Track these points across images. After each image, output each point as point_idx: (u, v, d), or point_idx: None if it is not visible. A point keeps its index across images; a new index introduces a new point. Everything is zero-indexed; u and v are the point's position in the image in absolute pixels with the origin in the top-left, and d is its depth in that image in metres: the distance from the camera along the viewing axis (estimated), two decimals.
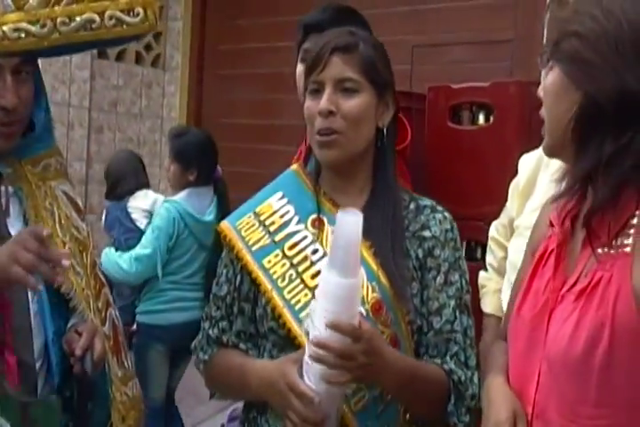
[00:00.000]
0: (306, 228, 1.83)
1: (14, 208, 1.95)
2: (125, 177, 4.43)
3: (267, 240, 1.84)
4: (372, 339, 1.56)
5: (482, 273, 2.42)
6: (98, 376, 1.94)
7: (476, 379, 1.77)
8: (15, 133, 1.92)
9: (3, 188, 1.94)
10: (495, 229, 2.44)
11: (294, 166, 1.98)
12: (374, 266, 1.76)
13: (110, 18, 1.86)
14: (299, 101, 2.86)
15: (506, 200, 2.68)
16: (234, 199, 5.46)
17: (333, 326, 1.52)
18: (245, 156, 5.55)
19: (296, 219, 1.85)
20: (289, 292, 1.77)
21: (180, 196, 4.01)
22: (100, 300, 2.05)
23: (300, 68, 2.58)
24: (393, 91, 1.86)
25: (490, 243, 2.41)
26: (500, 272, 2.28)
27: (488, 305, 2.35)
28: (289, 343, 1.74)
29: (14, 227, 1.93)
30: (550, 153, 1.57)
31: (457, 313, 1.78)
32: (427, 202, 1.87)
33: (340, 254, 1.53)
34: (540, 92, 1.53)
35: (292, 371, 1.62)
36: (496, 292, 2.30)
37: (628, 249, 1.37)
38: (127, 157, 4.55)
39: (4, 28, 1.80)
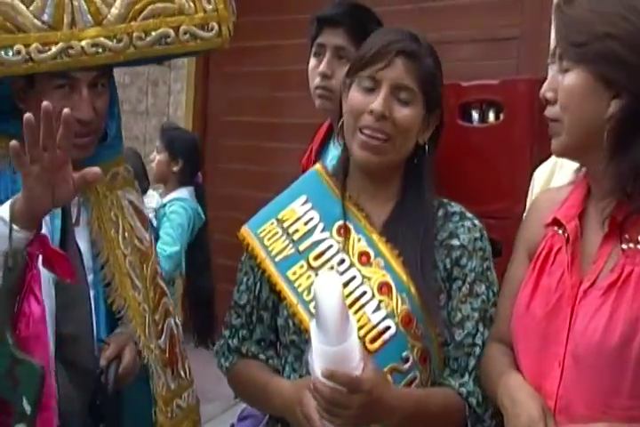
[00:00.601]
0: (331, 236, 1.78)
1: (83, 218, 1.97)
2: (137, 178, 4.45)
3: (291, 250, 1.79)
4: (373, 390, 1.51)
5: None
6: (134, 391, 1.96)
7: None
8: (90, 145, 1.94)
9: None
10: None
11: (317, 166, 1.93)
12: (404, 276, 1.72)
13: (185, 33, 1.90)
14: (304, 99, 2.87)
15: (515, 197, 2.68)
16: (241, 196, 5.47)
17: (328, 376, 1.49)
18: (251, 153, 5.57)
19: (321, 226, 1.80)
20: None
21: (185, 194, 4.09)
22: (159, 311, 2.07)
23: (312, 62, 2.57)
24: (441, 109, 1.84)
25: None
26: None
27: None
28: None
29: (81, 236, 1.95)
30: (564, 153, 1.57)
31: (480, 326, 1.73)
32: (456, 208, 1.84)
33: (323, 323, 1.49)
34: (548, 93, 1.53)
35: (308, 401, 1.58)
36: None
37: None
38: (133, 157, 4.56)
39: (83, 43, 1.83)
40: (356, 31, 2.60)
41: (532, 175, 2.27)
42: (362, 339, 1.63)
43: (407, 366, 1.68)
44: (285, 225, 1.82)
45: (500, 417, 1.63)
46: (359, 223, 1.79)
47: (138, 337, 1.96)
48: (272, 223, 1.84)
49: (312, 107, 2.61)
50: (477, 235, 1.79)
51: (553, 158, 2.15)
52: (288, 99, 5.26)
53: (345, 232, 1.77)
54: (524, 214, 1.77)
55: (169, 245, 3.91)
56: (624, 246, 1.44)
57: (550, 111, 1.53)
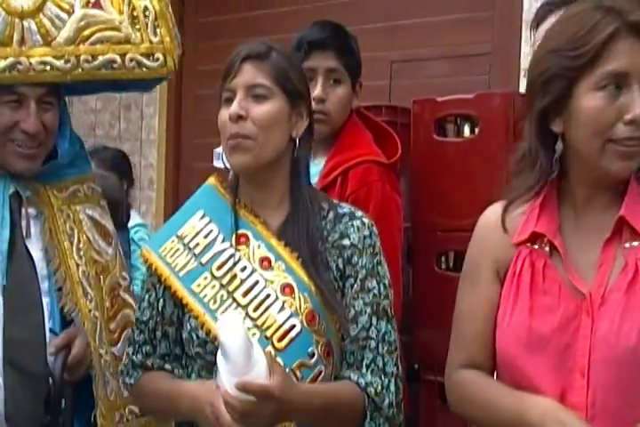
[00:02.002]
0: (231, 245, 1.84)
1: (35, 230, 2.11)
2: (123, 203, 4.27)
3: (194, 263, 1.84)
4: (282, 394, 1.58)
5: None
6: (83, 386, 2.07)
7: (392, 386, 1.80)
8: (36, 156, 2.10)
9: (23, 210, 2.09)
10: None
11: (211, 179, 1.97)
12: (305, 277, 1.79)
13: (131, 60, 2.05)
14: None
15: None
16: None
17: (241, 388, 1.56)
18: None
19: (220, 237, 1.85)
20: (222, 313, 1.78)
21: (138, 218, 4.21)
22: (115, 321, 2.18)
23: None
24: (307, 102, 1.88)
25: None
26: None
27: None
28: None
29: (34, 246, 2.09)
30: None
31: (373, 320, 1.81)
32: (345, 209, 1.90)
33: (229, 358, 1.58)
34: None
35: (218, 400, 1.63)
36: None
37: None
38: (117, 182, 4.44)
39: (32, 60, 2.00)
40: (345, 52, 2.63)
41: None
42: (270, 338, 1.75)
43: (313, 360, 1.77)
44: (186, 241, 1.87)
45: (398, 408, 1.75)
46: (256, 230, 1.85)
47: (87, 342, 2.07)
48: (172, 241, 1.88)
49: None
50: (367, 233, 1.85)
51: None
52: None
53: (244, 240, 1.84)
54: (473, 236, 1.76)
55: None
56: (627, 245, 1.46)
57: None
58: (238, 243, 1.84)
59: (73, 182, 2.20)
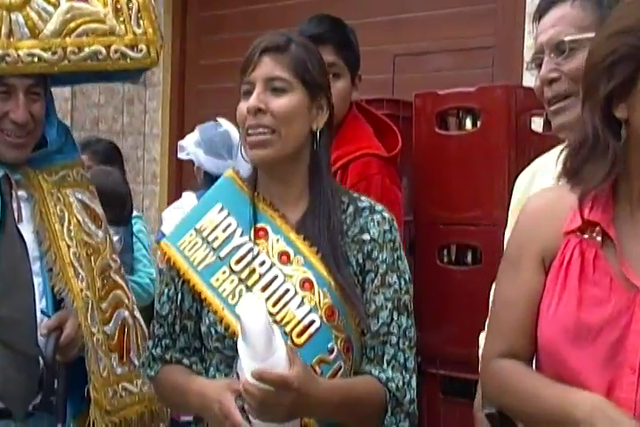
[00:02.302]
0: (250, 239, 1.81)
1: (26, 212, 2.18)
2: (130, 197, 4.24)
3: (212, 257, 1.82)
4: (301, 387, 1.57)
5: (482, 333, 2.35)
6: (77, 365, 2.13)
7: (413, 382, 1.79)
8: (25, 145, 2.18)
9: (14, 193, 2.17)
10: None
11: (229, 172, 1.95)
12: (324, 272, 1.77)
13: (116, 51, 2.13)
14: None
15: (494, 203, 2.68)
16: None
17: (259, 378, 1.55)
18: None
19: (239, 231, 1.83)
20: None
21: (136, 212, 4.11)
22: (107, 301, 2.23)
23: None
24: (327, 94, 1.86)
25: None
26: None
27: None
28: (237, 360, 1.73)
29: (25, 229, 2.16)
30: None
31: (394, 315, 1.79)
32: (365, 203, 1.87)
33: (250, 342, 1.57)
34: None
35: (228, 398, 1.63)
36: None
37: None
38: (120, 176, 4.33)
39: (20, 52, 2.08)
40: (343, 46, 2.62)
41: (509, 181, 2.27)
42: (289, 334, 1.73)
43: (332, 356, 1.75)
44: (205, 234, 1.86)
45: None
46: (275, 224, 1.83)
47: (78, 323, 2.12)
48: (191, 234, 1.87)
49: None
50: (387, 227, 1.84)
51: (532, 166, 2.14)
52: None
53: (263, 234, 1.82)
54: (519, 221, 1.69)
55: (149, 267, 3.89)
56: None
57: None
58: (257, 237, 1.82)
59: (62, 167, 2.27)
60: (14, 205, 2.15)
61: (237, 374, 1.66)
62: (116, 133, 5.78)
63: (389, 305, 1.79)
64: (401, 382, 1.77)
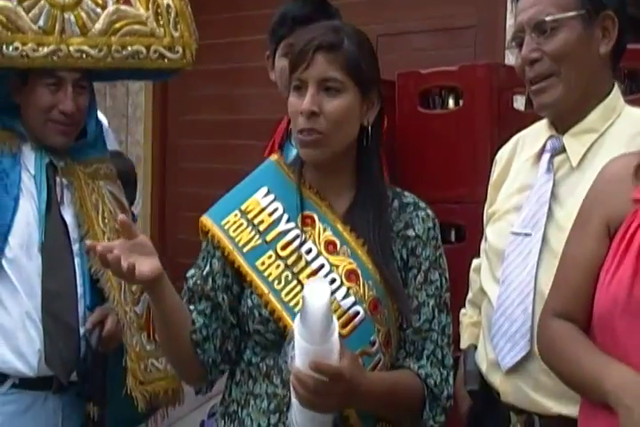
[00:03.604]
0: (297, 226, 1.80)
1: (67, 197, 2.40)
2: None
3: (258, 240, 1.81)
4: (352, 378, 1.58)
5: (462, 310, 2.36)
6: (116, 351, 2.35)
7: (451, 379, 1.81)
8: (71, 133, 2.41)
9: (58, 179, 2.38)
10: (475, 263, 2.33)
11: (274, 157, 1.94)
12: (370, 265, 1.77)
13: (155, 52, 2.36)
14: (264, 96, 2.87)
15: (477, 181, 2.69)
16: (204, 195, 5.42)
17: (315, 368, 1.54)
18: (213, 152, 5.54)
19: (286, 217, 1.82)
20: (286, 294, 1.76)
21: None
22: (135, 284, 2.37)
23: (283, 63, 2.54)
24: (378, 88, 1.84)
25: (471, 275, 2.33)
26: (474, 303, 2.24)
27: (463, 342, 2.26)
28: (277, 344, 1.74)
29: (66, 212, 2.39)
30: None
31: (436, 312, 1.80)
32: (409, 199, 1.88)
33: (309, 324, 1.54)
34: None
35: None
36: (468, 326, 2.26)
37: None
38: (131, 161, 4.06)
39: (70, 48, 2.31)
40: None
41: (492, 159, 2.28)
42: None
43: (374, 349, 1.75)
44: (250, 216, 1.84)
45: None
46: (322, 213, 1.82)
47: (113, 298, 2.35)
48: (236, 215, 1.85)
49: (272, 103, 2.62)
50: (430, 224, 1.85)
51: (513, 140, 2.16)
52: (247, 95, 5.24)
53: (310, 221, 1.81)
54: (594, 183, 1.67)
55: None
56: None
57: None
58: (304, 224, 1.80)
59: (95, 161, 2.48)
60: (58, 190, 2.37)
61: (283, 355, 1.63)
62: None
63: (432, 302, 1.80)
64: (439, 379, 1.77)
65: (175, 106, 5.81)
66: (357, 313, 1.73)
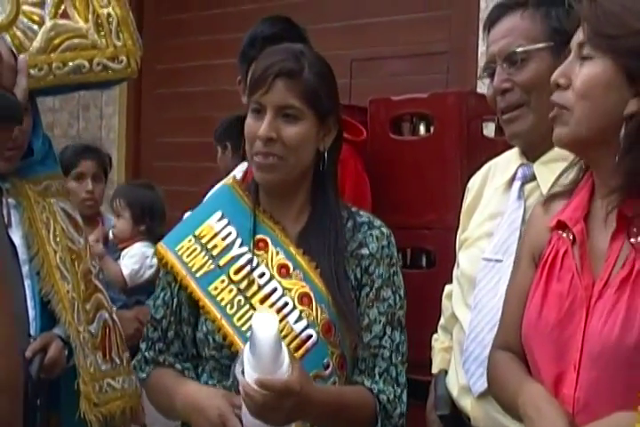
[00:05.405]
0: (250, 250, 1.81)
1: (15, 219, 2.32)
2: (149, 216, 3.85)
3: (211, 265, 1.82)
4: (302, 389, 1.57)
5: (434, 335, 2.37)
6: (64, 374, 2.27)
7: (404, 396, 1.81)
8: (15, 157, 2.31)
9: (4, 200, 2.31)
10: (447, 289, 2.33)
11: (229, 181, 1.96)
12: (322, 287, 1.78)
13: (98, 64, 2.24)
14: None
15: (447, 207, 2.70)
16: (178, 218, 5.41)
17: (262, 385, 1.53)
18: (185, 174, 5.53)
19: (239, 241, 1.83)
20: (239, 319, 1.77)
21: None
22: (90, 303, 2.38)
23: None
24: (336, 115, 1.86)
25: (443, 301, 2.33)
26: (446, 329, 2.25)
27: (434, 367, 2.26)
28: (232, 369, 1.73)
29: (15, 234, 2.30)
30: (569, 144, 1.53)
31: (387, 329, 1.81)
32: (364, 218, 1.89)
33: (258, 356, 1.54)
34: (561, 78, 1.48)
35: (226, 405, 1.64)
36: (440, 351, 2.26)
37: None
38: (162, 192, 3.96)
39: None
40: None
41: (462, 186, 2.29)
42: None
43: (328, 372, 1.76)
44: (203, 241, 1.85)
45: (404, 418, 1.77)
46: (275, 236, 1.83)
47: (65, 320, 2.27)
48: (190, 240, 1.86)
49: None
50: (385, 242, 1.86)
51: (484, 168, 2.17)
52: (220, 118, 5.24)
53: (263, 246, 1.82)
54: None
55: None
56: (632, 240, 1.43)
57: (561, 97, 1.50)
58: (257, 248, 1.81)
59: (45, 178, 2.40)
60: (4, 212, 2.29)
61: (233, 380, 1.64)
62: (72, 138, 5.74)
63: (383, 319, 1.80)
64: (392, 395, 1.78)
65: (149, 128, 5.81)
66: (310, 336, 1.75)
